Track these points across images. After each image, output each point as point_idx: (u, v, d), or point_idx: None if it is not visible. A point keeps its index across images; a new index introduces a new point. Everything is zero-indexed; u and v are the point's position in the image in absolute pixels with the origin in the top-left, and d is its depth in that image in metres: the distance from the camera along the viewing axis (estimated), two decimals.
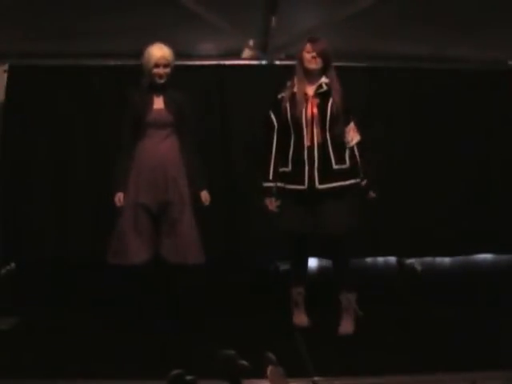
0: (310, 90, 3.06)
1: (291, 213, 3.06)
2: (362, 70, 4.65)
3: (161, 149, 3.10)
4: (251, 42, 4.37)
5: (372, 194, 3.11)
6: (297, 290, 3.26)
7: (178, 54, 4.39)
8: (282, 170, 3.12)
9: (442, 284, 4.19)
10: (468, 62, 4.72)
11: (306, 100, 3.03)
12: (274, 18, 3.89)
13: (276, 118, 3.13)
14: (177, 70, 4.45)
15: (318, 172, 2.98)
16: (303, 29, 4.02)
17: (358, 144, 3.09)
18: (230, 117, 4.65)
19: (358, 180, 3.08)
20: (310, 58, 3.01)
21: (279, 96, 3.12)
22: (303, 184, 2.99)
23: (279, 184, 3.13)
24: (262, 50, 4.46)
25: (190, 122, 3.25)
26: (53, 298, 3.70)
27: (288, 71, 4.46)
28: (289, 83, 3.13)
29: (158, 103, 3.13)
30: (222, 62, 4.60)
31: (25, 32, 3.90)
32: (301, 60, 3.06)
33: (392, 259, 4.87)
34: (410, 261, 4.77)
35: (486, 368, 2.53)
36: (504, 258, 4.83)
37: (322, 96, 3.03)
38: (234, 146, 4.67)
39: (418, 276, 4.52)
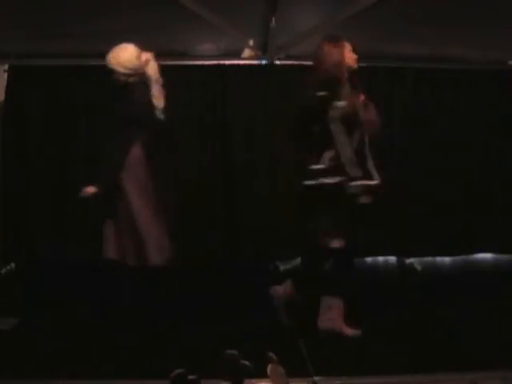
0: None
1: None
2: (362, 70, 4.63)
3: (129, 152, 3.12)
4: (251, 42, 4.36)
5: None
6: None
7: (178, 54, 4.47)
8: None
9: (442, 284, 4.19)
10: (468, 62, 4.72)
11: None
12: (273, 18, 3.89)
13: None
14: (177, 69, 4.50)
15: None
16: (303, 29, 4.02)
17: None
18: (230, 117, 4.65)
19: None
20: (356, 57, 3.07)
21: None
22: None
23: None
24: (262, 50, 4.46)
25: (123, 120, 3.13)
26: (53, 298, 3.70)
27: (288, 71, 4.53)
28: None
29: None
30: (222, 62, 4.60)
31: (25, 32, 3.90)
32: (343, 63, 3.04)
33: (392, 259, 4.87)
34: (409, 261, 4.78)
35: (486, 368, 2.54)
36: (504, 257, 4.83)
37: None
38: (234, 146, 4.67)
39: (418, 276, 4.52)
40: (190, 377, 2.13)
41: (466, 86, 4.78)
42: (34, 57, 4.41)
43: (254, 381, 2.25)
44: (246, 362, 2.16)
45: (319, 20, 3.92)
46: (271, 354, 2.23)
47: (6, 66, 4.48)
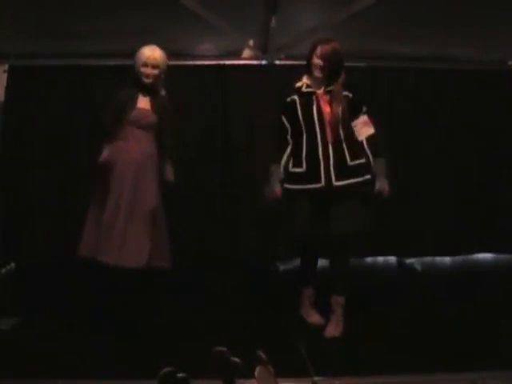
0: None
1: (306, 215, 3.03)
2: (362, 70, 4.64)
3: (141, 149, 3.11)
4: (251, 42, 4.37)
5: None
6: (308, 290, 3.26)
7: (178, 54, 4.47)
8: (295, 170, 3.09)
9: (442, 284, 4.19)
10: (468, 62, 4.72)
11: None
12: (273, 18, 3.89)
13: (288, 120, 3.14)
14: (177, 70, 4.49)
15: (334, 169, 2.98)
16: (303, 29, 4.02)
17: (370, 138, 3.06)
18: (230, 117, 4.65)
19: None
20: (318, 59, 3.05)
21: (288, 99, 3.11)
22: (320, 182, 2.97)
23: (294, 186, 3.08)
24: (262, 50, 4.46)
25: (170, 124, 3.24)
26: (53, 298, 3.70)
27: (288, 71, 4.52)
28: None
29: (144, 103, 3.14)
30: (222, 62, 4.60)
31: (25, 32, 3.90)
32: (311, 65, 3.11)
33: (392, 259, 4.87)
34: (409, 261, 4.78)
35: (486, 368, 2.54)
36: (504, 257, 4.83)
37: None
38: (233, 146, 4.67)
39: (418, 276, 4.52)
40: (179, 375, 2.13)
41: (466, 86, 4.77)
42: (34, 57, 4.41)
43: (245, 381, 2.24)
44: (236, 359, 2.15)
45: (319, 20, 3.92)
46: (260, 353, 2.22)
47: (6, 66, 4.47)
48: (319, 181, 2.97)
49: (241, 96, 4.62)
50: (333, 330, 3.04)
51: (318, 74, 3.02)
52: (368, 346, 2.89)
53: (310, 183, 2.99)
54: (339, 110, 2.99)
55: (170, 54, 4.30)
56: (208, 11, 3.70)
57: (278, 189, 3.12)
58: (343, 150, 3.00)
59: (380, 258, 4.90)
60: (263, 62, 4.59)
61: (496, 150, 4.82)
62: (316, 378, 2.48)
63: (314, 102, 3.02)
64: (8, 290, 4.01)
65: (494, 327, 3.11)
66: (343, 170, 2.98)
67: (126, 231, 3.02)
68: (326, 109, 3.01)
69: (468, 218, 4.78)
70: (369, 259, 4.86)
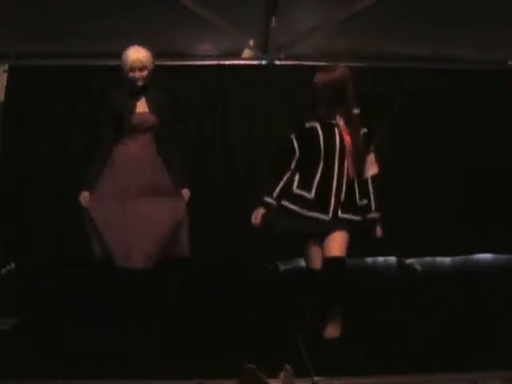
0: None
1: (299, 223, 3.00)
2: (362, 70, 4.64)
3: (143, 151, 3.12)
4: (251, 42, 4.37)
5: (379, 232, 3.08)
6: (309, 292, 3.25)
7: (178, 54, 4.47)
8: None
9: (442, 284, 4.19)
10: (468, 62, 4.72)
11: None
12: (273, 18, 3.89)
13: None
14: (177, 70, 4.51)
15: (343, 205, 2.95)
16: (303, 29, 4.02)
17: (374, 177, 3.04)
18: (230, 117, 4.65)
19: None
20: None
21: (307, 125, 2.98)
22: (327, 214, 2.94)
23: (295, 208, 3.02)
24: (262, 49, 4.46)
25: (169, 122, 3.27)
26: (53, 298, 3.70)
27: (288, 71, 4.53)
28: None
29: (141, 106, 3.13)
30: (222, 62, 4.61)
31: (25, 32, 3.91)
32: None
33: (392, 259, 4.88)
34: (409, 261, 4.78)
35: (486, 368, 2.54)
36: (504, 257, 4.83)
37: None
38: (233, 146, 4.67)
39: (418, 276, 4.52)
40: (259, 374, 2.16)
41: (466, 86, 4.78)
42: (34, 57, 4.41)
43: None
44: (264, 376, 2.17)
45: (319, 20, 3.93)
46: (287, 367, 2.24)
47: (6, 66, 4.48)
48: (326, 213, 2.94)
49: (241, 96, 4.62)
50: (332, 331, 3.03)
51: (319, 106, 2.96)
52: (368, 346, 2.88)
53: (316, 211, 2.95)
54: (359, 145, 2.93)
55: (170, 54, 4.35)
56: (208, 11, 3.70)
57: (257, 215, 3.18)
58: (354, 187, 2.98)
59: (380, 258, 4.90)
60: (263, 62, 4.59)
61: (496, 150, 4.82)
62: (316, 378, 2.48)
63: (337, 133, 2.93)
64: (8, 290, 4.02)
65: (494, 327, 3.10)
66: (351, 208, 2.96)
67: (135, 233, 3.04)
68: (348, 142, 2.93)
69: (468, 218, 4.79)
70: (369, 259, 4.86)
